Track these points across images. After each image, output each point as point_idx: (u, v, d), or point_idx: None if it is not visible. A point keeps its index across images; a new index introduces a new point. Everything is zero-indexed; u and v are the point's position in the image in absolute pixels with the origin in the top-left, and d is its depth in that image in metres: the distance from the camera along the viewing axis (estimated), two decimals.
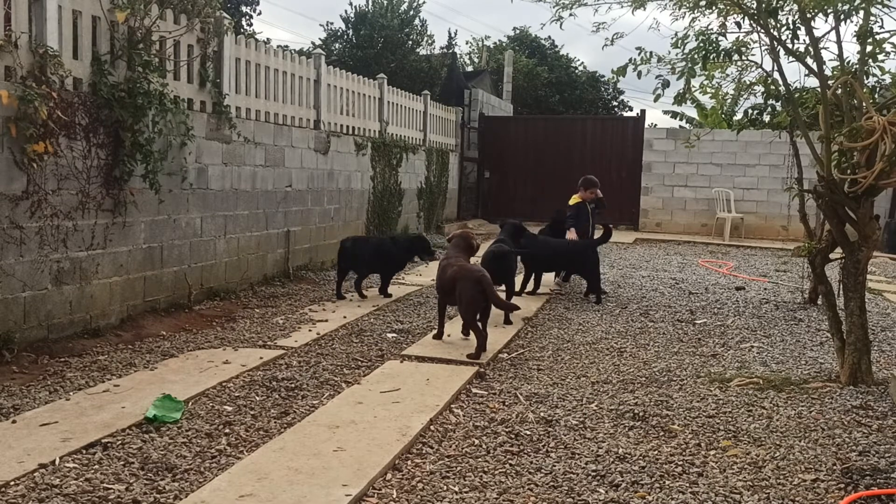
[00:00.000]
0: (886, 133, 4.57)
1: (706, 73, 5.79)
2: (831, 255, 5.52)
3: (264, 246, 8.62)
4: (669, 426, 4.33)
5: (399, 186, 12.76)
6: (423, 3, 25.56)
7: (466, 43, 48.03)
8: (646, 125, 16.80)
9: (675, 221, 16.28)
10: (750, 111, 6.73)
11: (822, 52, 5.01)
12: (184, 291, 7.20)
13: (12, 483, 3.38)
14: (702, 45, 5.14)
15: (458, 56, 27.21)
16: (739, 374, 5.40)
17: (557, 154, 17.05)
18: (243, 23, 20.70)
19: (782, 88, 5.52)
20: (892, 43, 4.96)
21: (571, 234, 8.73)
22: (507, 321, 6.92)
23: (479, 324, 5.79)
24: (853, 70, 5.03)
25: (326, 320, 6.89)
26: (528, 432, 4.19)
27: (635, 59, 5.41)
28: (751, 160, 15.78)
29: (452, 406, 4.65)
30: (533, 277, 8.53)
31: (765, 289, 9.48)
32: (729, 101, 6.54)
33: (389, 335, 6.43)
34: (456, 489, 3.48)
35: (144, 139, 6.32)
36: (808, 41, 5.01)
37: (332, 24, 25.74)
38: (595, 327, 6.98)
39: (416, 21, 25.68)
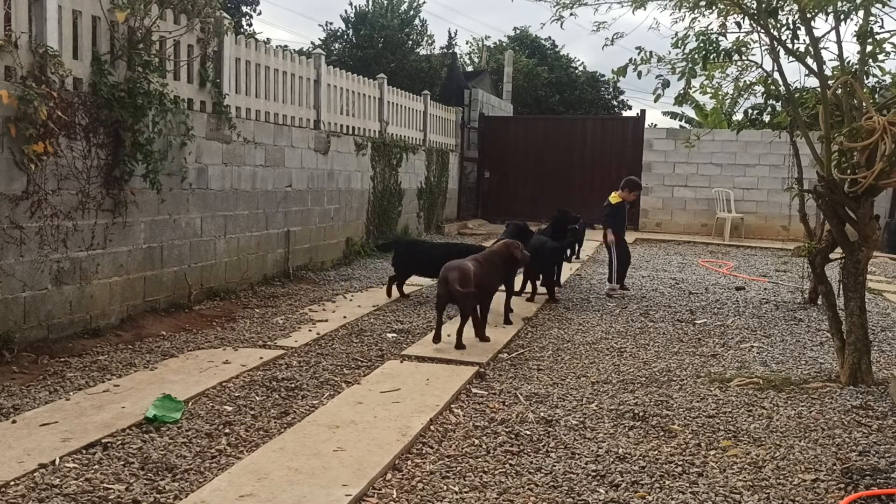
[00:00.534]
0: (886, 133, 4.57)
1: (706, 73, 5.79)
2: (831, 255, 5.52)
3: (264, 246, 8.62)
4: (669, 426, 4.32)
5: (399, 186, 12.76)
6: (423, 3, 25.60)
7: (466, 43, 48.08)
8: (646, 125, 16.81)
9: (675, 221, 16.28)
10: (750, 111, 6.72)
11: (822, 52, 5.01)
12: (184, 291, 7.20)
13: (12, 483, 3.38)
14: (702, 45, 5.14)
15: (458, 56, 27.22)
16: (739, 374, 5.40)
17: (557, 154, 17.06)
18: (243, 23, 20.71)
19: (782, 88, 5.52)
20: (892, 43, 4.97)
21: (610, 236, 8.69)
22: (507, 321, 6.92)
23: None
24: (853, 70, 5.04)
25: (326, 320, 6.89)
26: (528, 432, 4.19)
27: (635, 59, 5.41)
28: (751, 160, 15.78)
29: (452, 406, 4.65)
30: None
31: (765, 289, 9.48)
32: (729, 101, 6.53)
33: (389, 335, 6.43)
34: (456, 489, 3.48)
35: (144, 139, 6.32)
36: (808, 41, 5.01)
37: (331, 24, 25.79)
38: (595, 327, 6.98)
39: (416, 21, 25.69)
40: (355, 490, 3.37)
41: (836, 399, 4.79)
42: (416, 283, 8.95)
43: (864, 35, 4.86)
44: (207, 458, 3.75)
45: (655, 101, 5.57)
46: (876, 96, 5.62)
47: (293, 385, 4.93)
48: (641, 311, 7.76)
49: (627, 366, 5.67)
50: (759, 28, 5.21)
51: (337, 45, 24.98)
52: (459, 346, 5.87)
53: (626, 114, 29.29)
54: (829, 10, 4.82)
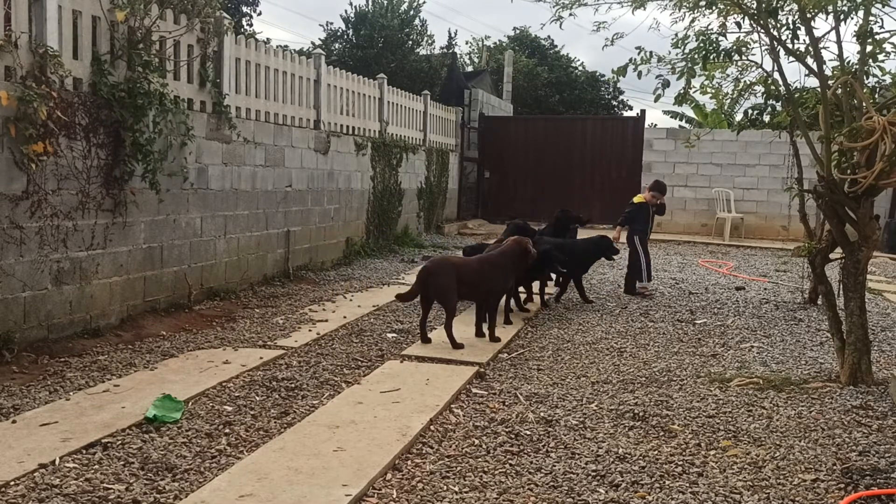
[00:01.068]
0: (886, 133, 4.57)
1: (706, 73, 5.79)
2: (831, 255, 5.52)
3: (264, 246, 8.62)
4: (669, 426, 4.32)
5: (399, 186, 12.76)
6: (423, 3, 25.59)
7: (466, 43, 48.01)
8: (646, 125, 16.81)
9: (675, 221, 16.27)
10: (750, 111, 6.73)
11: (822, 52, 5.01)
12: (184, 291, 7.20)
13: (12, 483, 3.38)
14: (702, 45, 5.14)
15: (458, 56, 27.22)
16: (739, 374, 5.40)
17: (557, 154, 17.06)
18: (243, 23, 20.69)
19: (782, 88, 5.52)
20: (892, 43, 4.97)
21: (615, 233, 8.68)
22: (507, 321, 6.91)
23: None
24: (853, 70, 5.03)
25: (326, 320, 6.89)
26: (528, 432, 4.19)
27: (635, 59, 5.41)
28: (751, 160, 15.78)
29: (452, 406, 4.65)
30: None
31: (765, 289, 9.48)
32: (729, 101, 6.54)
33: (389, 335, 6.43)
34: (456, 489, 3.48)
35: (144, 139, 6.32)
36: (808, 41, 5.01)
37: (332, 24, 25.78)
38: (595, 327, 6.98)
39: (416, 21, 25.68)
40: (355, 490, 3.37)
41: (836, 399, 4.79)
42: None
43: (864, 35, 4.86)
44: (207, 458, 3.75)
45: (655, 101, 5.57)
46: (876, 96, 5.62)
47: (293, 385, 4.93)
48: (641, 311, 7.76)
49: (627, 366, 5.67)
50: (759, 28, 5.21)
51: (337, 45, 24.99)
52: (456, 346, 5.86)
53: (626, 114, 29.30)
54: (829, 10, 4.82)
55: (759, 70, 5.77)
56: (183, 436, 4.02)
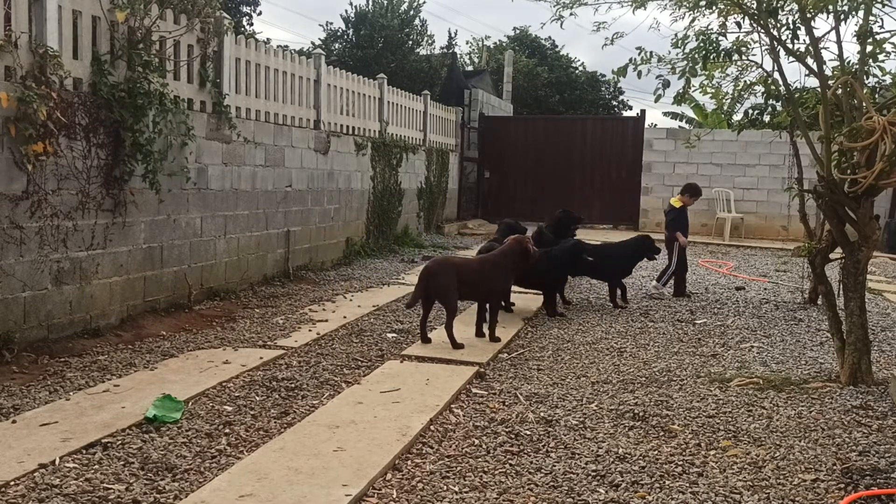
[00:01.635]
0: (886, 133, 4.57)
1: (706, 73, 5.79)
2: (831, 255, 5.52)
3: (264, 246, 8.62)
4: (669, 426, 4.32)
5: (399, 186, 12.76)
6: (423, 3, 25.58)
7: (466, 43, 48.03)
8: (646, 125, 16.81)
9: None
10: (750, 111, 6.73)
11: (822, 52, 5.01)
12: (184, 291, 7.20)
13: (12, 483, 3.38)
14: (702, 44, 5.14)
15: (458, 56, 27.20)
16: (739, 374, 5.40)
17: (557, 154, 17.06)
18: (243, 23, 20.70)
19: (782, 88, 5.52)
20: (892, 43, 4.97)
21: (682, 240, 8.72)
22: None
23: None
24: (853, 70, 5.03)
25: (326, 320, 6.89)
26: (528, 432, 4.19)
27: (635, 59, 5.41)
28: (751, 160, 15.78)
29: (452, 406, 4.65)
30: None
31: (765, 289, 9.48)
32: (729, 101, 6.54)
33: (389, 335, 6.43)
34: (456, 489, 3.48)
35: (144, 139, 6.32)
36: (808, 41, 5.01)
37: (332, 24, 25.78)
38: (595, 327, 6.98)
39: (416, 21, 25.67)
40: (355, 490, 3.37)
41: (836, 399, 4.79)
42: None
43: (864, 35, 4.86)
44: (207, 458, 3.75)
45: (656, 101, 5.57)
46: (876, 96, 5.62)
47: (293, 385, 4.93)
48: (641, 311, 7.76)
49: (627, 366, 5.67)
50: (759, 28, 5.21)
51: (337, 45, 24.98)
52: (456, 346, 5.86)
53: (626, 114, 29.30)
54: (829, 10, 4.82)
55: (759, 70, 5.77)
56: (183, 436, 4.02)
